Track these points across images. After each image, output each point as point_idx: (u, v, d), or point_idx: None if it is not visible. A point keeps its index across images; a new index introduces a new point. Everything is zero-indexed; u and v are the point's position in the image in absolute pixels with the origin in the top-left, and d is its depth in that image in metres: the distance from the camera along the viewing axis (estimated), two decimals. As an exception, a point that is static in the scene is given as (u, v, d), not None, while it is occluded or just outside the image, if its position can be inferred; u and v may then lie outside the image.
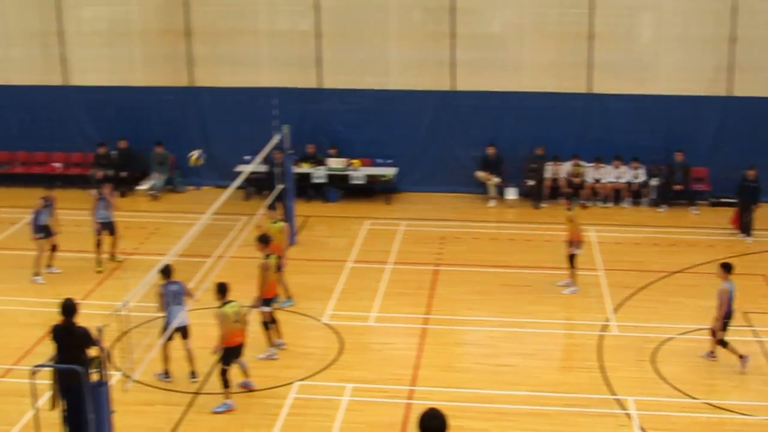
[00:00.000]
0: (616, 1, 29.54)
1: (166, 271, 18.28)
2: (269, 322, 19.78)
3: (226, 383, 17.67)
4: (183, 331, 18.53)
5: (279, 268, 21.20)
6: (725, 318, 18.94)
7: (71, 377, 14.50)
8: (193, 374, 18.62)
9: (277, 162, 26.82)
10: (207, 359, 18.91)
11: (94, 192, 24.70)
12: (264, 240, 20.07)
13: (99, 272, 23.87)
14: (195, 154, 22.52)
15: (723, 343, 19.11)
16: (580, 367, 19.11)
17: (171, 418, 17.34)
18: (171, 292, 18.15)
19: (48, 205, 23.93)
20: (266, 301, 19.77)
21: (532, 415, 17.47)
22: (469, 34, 29.97)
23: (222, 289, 17.68)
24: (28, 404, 15.63)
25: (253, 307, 19.64)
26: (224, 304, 17.58)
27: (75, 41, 31.72)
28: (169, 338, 18.29)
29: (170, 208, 29.38)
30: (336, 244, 26.64)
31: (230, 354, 17.70)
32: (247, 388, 18.31)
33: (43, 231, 23.81)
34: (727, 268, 19.06)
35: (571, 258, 22.75)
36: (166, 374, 18.52)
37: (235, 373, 17.96)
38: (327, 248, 26.19)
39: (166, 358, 18.45)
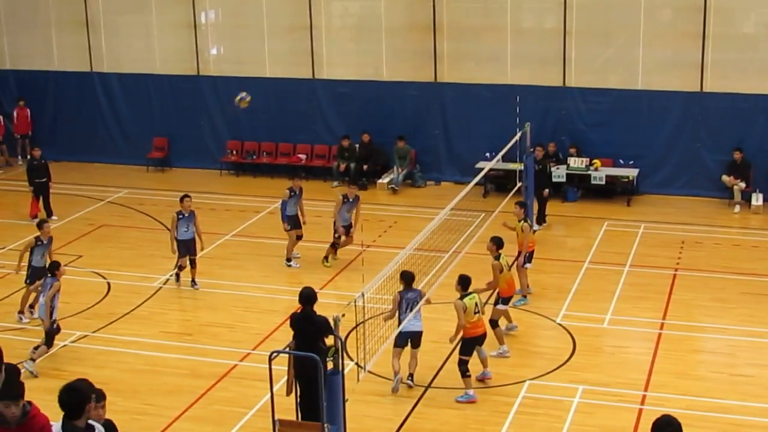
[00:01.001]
0: None
1: (408, 278, 18.20)
2: (496, 321, 19.86)
3: (464, 373, 17.80)
4: (414, 338, 18.34)
5: (520, 264, 21.72)
6: None
7: (307, 365, 14.84)
8: (411, 377, 18.45)
9: (537, 159, 26.82)
10: (439, 353, 19.10)
11: (341, 194, 24.89)
12: (496, 242, 20.05)
13: (327, 266, 24.44)
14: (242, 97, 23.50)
15: None
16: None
17: (401, 410, 17.54)
18: (407, 299, 18.03)
19: (294, 195, 24.51)
20: (504, 300, 19.93)
21: (770, 429, 16.95)
22: (721, 34, 29.10)
23: (464, 282, 17.91)
24: (264, 388, 16.09)
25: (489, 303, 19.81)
26: (464, 296, 17.77)
27: (325, 35, 32.45)
28: (402, 346, 18.22)
29: (409, 202, 29.71)
30: (573, 243, 26.43)
31: (470, 344, 17.92)
32: (485, 378, 18.44)
33: (290, 221, 24.44)
34: None
35: None
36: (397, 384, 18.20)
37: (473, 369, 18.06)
38: (564, 248, 26.00)
39: (397, 371, 18.21)
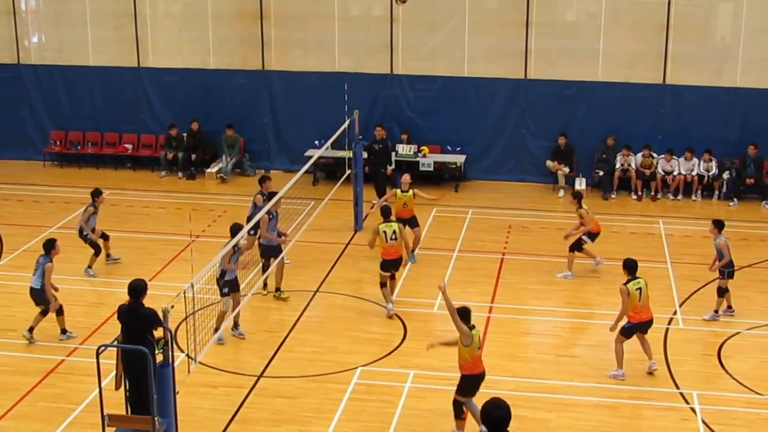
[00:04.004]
0: (694, -8, 29.21)
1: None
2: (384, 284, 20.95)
3: (458, 414, 16.13)
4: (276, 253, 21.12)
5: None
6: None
7: (136, 358, 14.60)
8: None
9: (379, 139, 27.36)
10: (270, 343, 19.06)
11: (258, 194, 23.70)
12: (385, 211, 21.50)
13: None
14: None
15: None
16: (645, 360, 18.81)
17: (234, 401, 17.40)
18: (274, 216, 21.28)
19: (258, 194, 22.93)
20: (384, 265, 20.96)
21: (596, 407, 17.32)
22: (544, 22, 29.74)
23: (465, 314, 15.70)
24: (93, 383, 15.73)
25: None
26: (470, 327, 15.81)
27: (150, 23, 31.95)
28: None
29: (238, 191, 29.39)
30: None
31: (469, 383, 15.86)
32: None
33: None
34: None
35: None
36: None
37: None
38: (394, 234, 26.13)
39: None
